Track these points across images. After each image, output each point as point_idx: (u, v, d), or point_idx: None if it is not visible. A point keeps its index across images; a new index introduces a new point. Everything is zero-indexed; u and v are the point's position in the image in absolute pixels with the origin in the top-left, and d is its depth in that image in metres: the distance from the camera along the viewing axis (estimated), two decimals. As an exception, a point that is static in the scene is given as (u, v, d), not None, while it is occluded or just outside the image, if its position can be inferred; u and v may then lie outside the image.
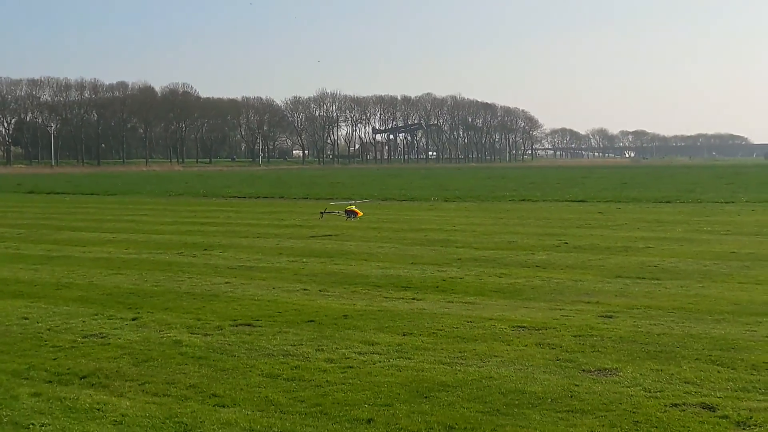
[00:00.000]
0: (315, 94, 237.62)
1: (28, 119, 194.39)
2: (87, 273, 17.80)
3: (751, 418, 7.46)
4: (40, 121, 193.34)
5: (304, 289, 15.36)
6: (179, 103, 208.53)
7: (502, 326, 11.69)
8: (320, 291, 15.16)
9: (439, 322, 12.05)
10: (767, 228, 26.96)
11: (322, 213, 28.44)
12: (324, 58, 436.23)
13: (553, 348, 10.36)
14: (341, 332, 11.39)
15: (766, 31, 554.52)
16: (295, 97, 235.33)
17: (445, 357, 9.94)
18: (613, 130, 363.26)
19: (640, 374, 9.04)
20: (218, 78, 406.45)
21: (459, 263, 18.83)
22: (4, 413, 7.97)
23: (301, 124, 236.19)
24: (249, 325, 11.99)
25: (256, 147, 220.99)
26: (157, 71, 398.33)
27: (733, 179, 74.13)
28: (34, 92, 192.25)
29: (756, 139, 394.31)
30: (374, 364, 9.64)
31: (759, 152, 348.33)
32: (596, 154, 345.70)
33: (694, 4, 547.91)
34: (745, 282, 15.58)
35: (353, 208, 28.11)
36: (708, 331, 11.22)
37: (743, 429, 7.22)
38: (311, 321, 12.19)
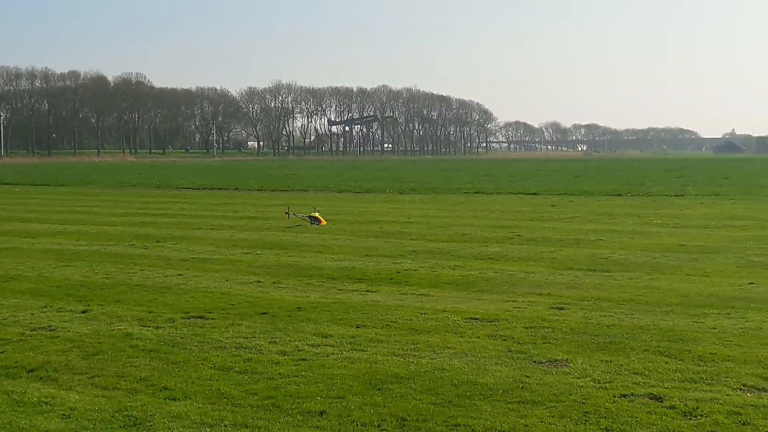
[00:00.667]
0: (270, 85, 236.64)
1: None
2: (36, 265, 17.58)
3: (697, 408, 7.56)
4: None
5: (258, 281, 15.30)
6: (132, 93, 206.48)
7: (455, 318, 11.73)
8: (274, 283, 15.11)
9: (392, 314, 12.06)
10: (715, 221, 27.31)
11: (287, 213, 27.96)
12: (279, 49, 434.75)
13: (504, 339, 10.42)
14: (295, 324, 11.37)
15: (716, 27, 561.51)
16: (250, 88, 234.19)
17: (399, 349, 9.95)
18: (566, 123, 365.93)
19: (590, 365, 9.12)
20: (172, 68, 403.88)
21: (413, 255, 18.87)
22: (-49, 407, 7.86)
23: (256, 115, 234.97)
24: (201, 317, 11.92)
25: (210, 138, 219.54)
26: (109, 60, 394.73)
27: (683, 173, 75.00)
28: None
29: (705, 133, 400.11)
30: (327, 356, 9.63)
31: (708, 146, 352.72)
32: (549, 147, 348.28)
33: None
34: (693, 274, 15.77)
35: (317, 215, 27.82)
36: (657, 322, 11.35)
37: (689, 419, 7.31)
38: (264, 313, 12.14)
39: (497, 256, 18.72)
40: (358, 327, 11.22)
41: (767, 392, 8.07)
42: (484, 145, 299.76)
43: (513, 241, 21.77)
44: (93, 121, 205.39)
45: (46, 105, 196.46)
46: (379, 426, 7.19)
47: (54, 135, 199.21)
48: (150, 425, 7.27)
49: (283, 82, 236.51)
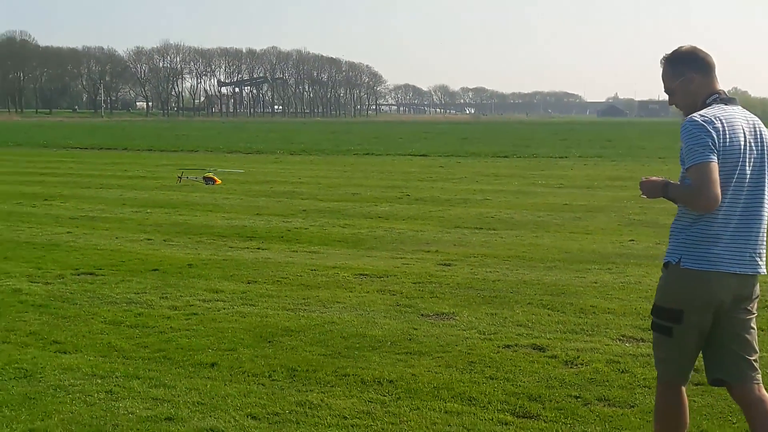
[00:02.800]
0: (158, 45, 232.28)
1: None
2: None
3: (578, 357, 7.79)
4: None
5: (148, 239, 15.12)
6: (17, 52, 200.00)
7: (345, 274, 11.81)
8: (164, 241, 14.95)
9: (283, 270, 12.08)
10: (597, 181, 28.01)
11: (180, 177, 27.16)
12: (167, 8, 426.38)
13: (393, 294, 10.54)
14: (186, 281, 11.30)
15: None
16: (137, 48, 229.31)
17: (289, 303, 9.98)
18: (454, 86, 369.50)
19: (476, 318, 9.30)
20: (58, 26, 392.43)
21: (304, 214, 18.88)
22: None
23: (144, 76, 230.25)
24: (91, 273, 11.74)
25: (98, 98, 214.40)
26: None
27: (567, 135, 76.51)
28: None
29: (589, 97, 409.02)
30: (218, 311, 9.61)
31: (592, 110, 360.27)
32: (438, 110, 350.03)
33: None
34: (576, 232, 16.15)
35: (212, 175, 27.31)
36: (540, 277, 11.62)
37: (570, 367, 7.53)
38: (155, 270, 12.03)
39: (386, 215, 18.86)
40: (249, 283, 11.21)
41: (644, 342, 8.33)
42: (374, 107, 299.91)
43: (402, 200, 21.95)
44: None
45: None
46: (269, 376, 7.23)
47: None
48: (41, 377, 7.16)
49: (172, 42, 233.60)
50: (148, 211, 19.35)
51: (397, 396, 6.77)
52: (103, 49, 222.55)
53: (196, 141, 63.09)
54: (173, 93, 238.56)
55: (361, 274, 11.79)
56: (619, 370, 7.44)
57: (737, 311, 4.91)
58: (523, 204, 21.09)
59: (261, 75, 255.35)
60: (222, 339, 8.37)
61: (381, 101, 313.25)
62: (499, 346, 8.19)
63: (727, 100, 4.94)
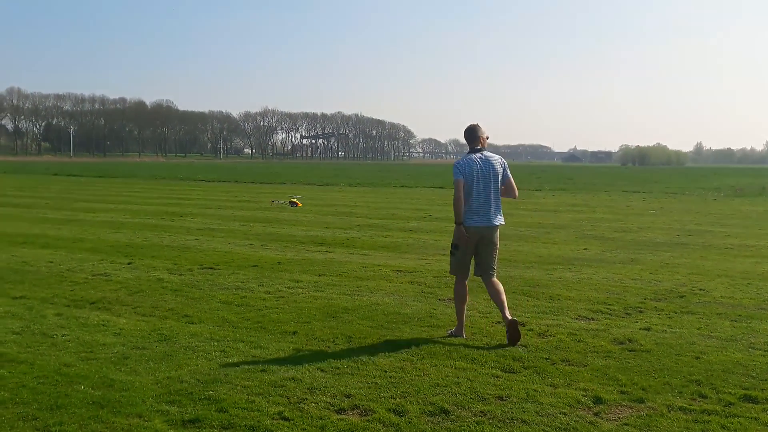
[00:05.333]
0: (260, 110, 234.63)
1: (54, 123, 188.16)
2: (95, 231, 17.26)
3: (547, 330, 7.71)
4: (63, 124, 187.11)
5: (251, 244, 15.18)
6: (163, 113, 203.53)
7: (386, 270, 11.77)
8: (262, 245, 15.00)
9: (343, 267, 12.07)
10: (561, 207, 27.74)
11: (272, 201, 27.54)
12: (268, 84, 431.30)
13: (419, 284, 10.49)
14: (276, 273, 11.32)
15: (564, 67, 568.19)
16: (246, 112, 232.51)
17: (347, 290, 9.96)
18: (463, 139, 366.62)
19: (476, 302, 9.21)
20: (192, 95, 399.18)
21: (358, 228, 18.86)
22: (36, 327, 7.70)
23: (250, 131, 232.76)
24: (211, 268, 11.81)
25: (218, 146, 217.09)
26: (148, 90, 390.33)
27: (540, 174, 75.92)
28: (58, 103, 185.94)
29: (557, 147, 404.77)
30: (299, 294, 9.61)
31: (558, 157, 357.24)
32: (452, 156, 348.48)
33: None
34: (546, 242, 16.00)
35: (295, 199, 27.55)
36: (521, 274, 11.52)
37: (542, 338, 7.45)
38: (255, 266, 12.07)
39: (415, 229, 18.79)
40: (320, 275, 11.21)
41: (594, 320, 8.24)
42: (407, 154, 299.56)
43: (426, 219, 21.87)
44: (135, 133, 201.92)
45: (103, 121, 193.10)
46: (333, 341, 7.21)
47: (108, 142, 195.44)
48: (176, 340, 7.21)
49: (269, 107, 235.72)
50: (251, 224, 19.43)
51: (421, 356, 6.73)
52: (222, 112, 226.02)
53: (285, 176, 63.37)
54: (270, 143, 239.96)
55: (397, 270, 11.74)
56: (576, 340, 7.34)
57: (486, 244, 7.28)
58: (510, 222, 20.84)
59: (330, 131, 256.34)
60: (300, 314, 8.36)
61: (412, 150, 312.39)
62: (492, 322, 8.12)
63: (477, 150, 7.21)
